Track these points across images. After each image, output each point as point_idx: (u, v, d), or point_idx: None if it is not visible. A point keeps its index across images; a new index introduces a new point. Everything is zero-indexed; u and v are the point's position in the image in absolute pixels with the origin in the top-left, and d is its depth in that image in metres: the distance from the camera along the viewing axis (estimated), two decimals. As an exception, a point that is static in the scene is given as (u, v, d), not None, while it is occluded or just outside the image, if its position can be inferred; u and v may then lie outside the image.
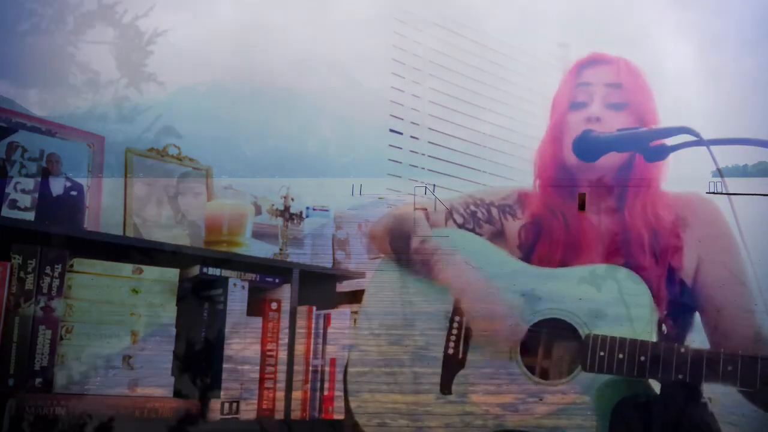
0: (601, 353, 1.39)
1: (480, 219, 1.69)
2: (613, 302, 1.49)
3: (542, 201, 1.67)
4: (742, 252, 1.51)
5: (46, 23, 2.10)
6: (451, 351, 1.53)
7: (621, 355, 1.37)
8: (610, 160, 1.68)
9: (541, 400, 1.43)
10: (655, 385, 1.47)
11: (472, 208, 1.70)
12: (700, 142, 1.53)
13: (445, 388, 1.51)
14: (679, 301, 1.54)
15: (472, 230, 1.67)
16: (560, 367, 1.44)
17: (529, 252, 1.62)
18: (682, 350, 1.36)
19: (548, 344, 1.48)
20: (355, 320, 1.81)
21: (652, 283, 1.50)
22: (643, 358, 1.36)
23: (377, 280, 1.72)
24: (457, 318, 1.54)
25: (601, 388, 1.42)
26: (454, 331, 1.53)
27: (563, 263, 1.56)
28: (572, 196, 1.62)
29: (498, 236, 1.66)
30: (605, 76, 1.71)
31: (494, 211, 1.69)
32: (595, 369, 1.39)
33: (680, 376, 1.35)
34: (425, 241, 1.63)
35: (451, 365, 1.52)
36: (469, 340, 1.52)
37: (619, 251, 1.61)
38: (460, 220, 1.69)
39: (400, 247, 1.66)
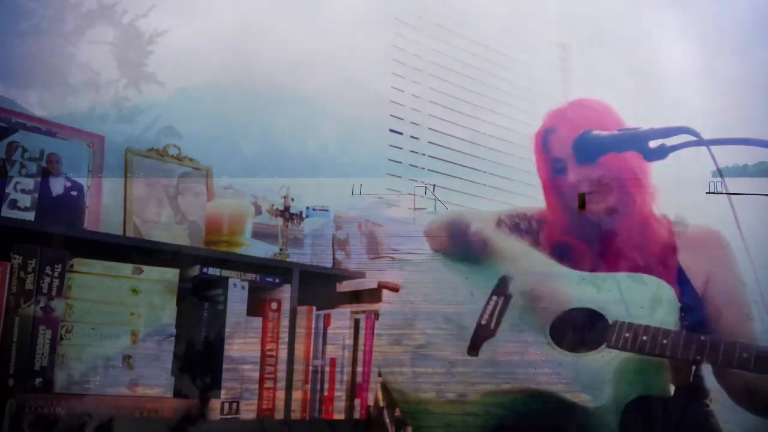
0: (627, 335, 1.51)
1: (522, 230, 1.77)
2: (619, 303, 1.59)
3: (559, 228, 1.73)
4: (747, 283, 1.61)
5: (46, 23, 2.11)
6: (484, 321, 1.63)
7: (645, 338, 1.49)
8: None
9: (561, 366, 1.54)
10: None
11: (516, 219, 1.79)
12: (700, 142, 1.52)
13: (473, 350, 1.61)
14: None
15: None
16: (585, 342, 1.56)
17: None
18: (702, 338, 1.47)
19: (576, 324, 1.59)
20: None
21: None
22: (665, 341, 1.48)
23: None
24: (494, 297, 1.66)
25: (619, 381, 1.51)
26: (490, 306, 1.65)
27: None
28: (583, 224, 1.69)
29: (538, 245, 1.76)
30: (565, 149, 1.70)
31: (534, 224, 1.77)
32: (619, 347, 1.51)
33: (698, 357, 1.46)
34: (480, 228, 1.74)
35: (482, 333, 1.63)
36: (503, 316, 1.64)
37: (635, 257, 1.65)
38: (505, 230, 1.77)
39: (459, 235, 1.75)
